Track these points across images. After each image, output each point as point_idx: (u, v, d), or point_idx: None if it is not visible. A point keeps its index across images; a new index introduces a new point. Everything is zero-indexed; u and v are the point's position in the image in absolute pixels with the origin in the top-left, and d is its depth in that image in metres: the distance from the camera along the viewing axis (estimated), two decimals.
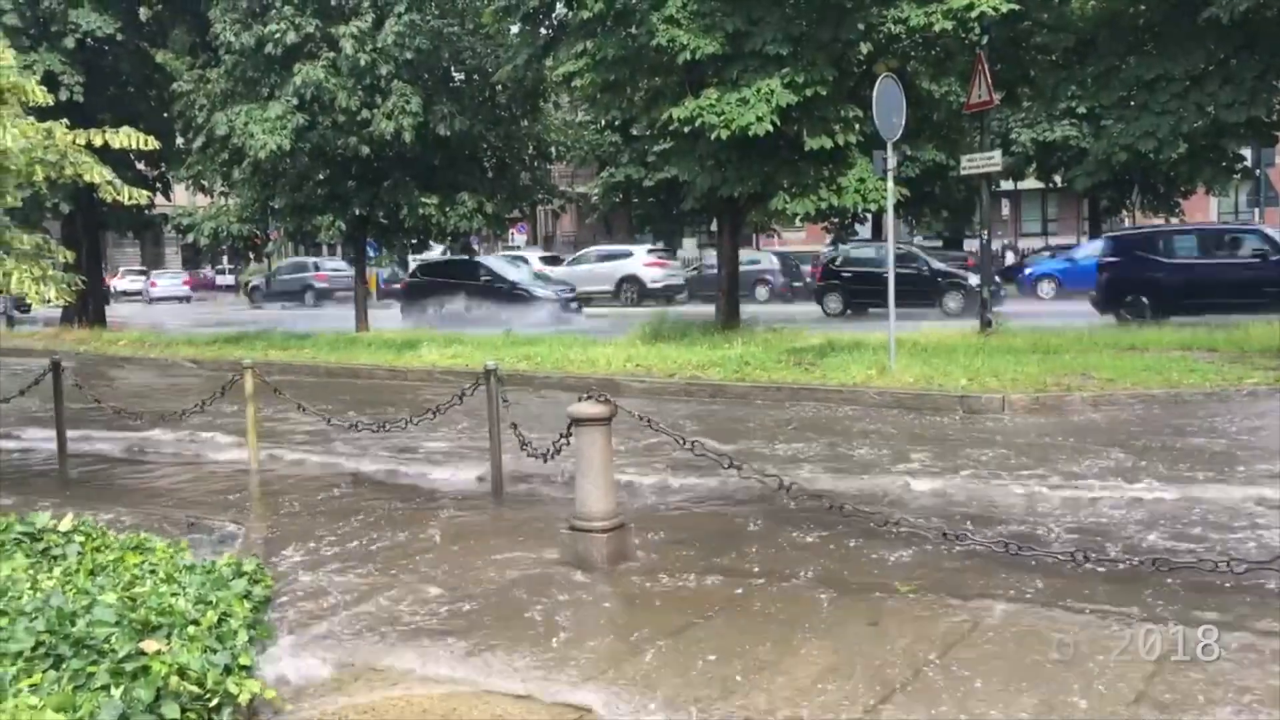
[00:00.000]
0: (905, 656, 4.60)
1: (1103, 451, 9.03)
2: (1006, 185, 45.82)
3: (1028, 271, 34.34)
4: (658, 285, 34.00)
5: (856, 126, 16.63)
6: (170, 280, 55.08)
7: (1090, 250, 32.08)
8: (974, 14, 15.16)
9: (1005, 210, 53.18)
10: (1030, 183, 43.78)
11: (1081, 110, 28.40)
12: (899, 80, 14.95)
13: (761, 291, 34.79)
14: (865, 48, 17.30)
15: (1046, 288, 31.97)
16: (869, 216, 37.32)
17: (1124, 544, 6.14)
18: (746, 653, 4.70)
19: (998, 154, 17.46)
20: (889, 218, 14.70)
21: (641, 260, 34.82)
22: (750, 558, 6.30)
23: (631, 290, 34.07)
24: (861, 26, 16.32)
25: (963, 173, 18.31)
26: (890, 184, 14.21)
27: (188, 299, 52.97)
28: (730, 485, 7.73)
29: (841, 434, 10.53)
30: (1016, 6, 15.29)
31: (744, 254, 29.95)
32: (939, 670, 4.44)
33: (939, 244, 42.53)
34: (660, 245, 40.31)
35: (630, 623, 5.24)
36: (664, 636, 4.96)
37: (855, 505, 5.74)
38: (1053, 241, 47.58)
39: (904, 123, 14.57)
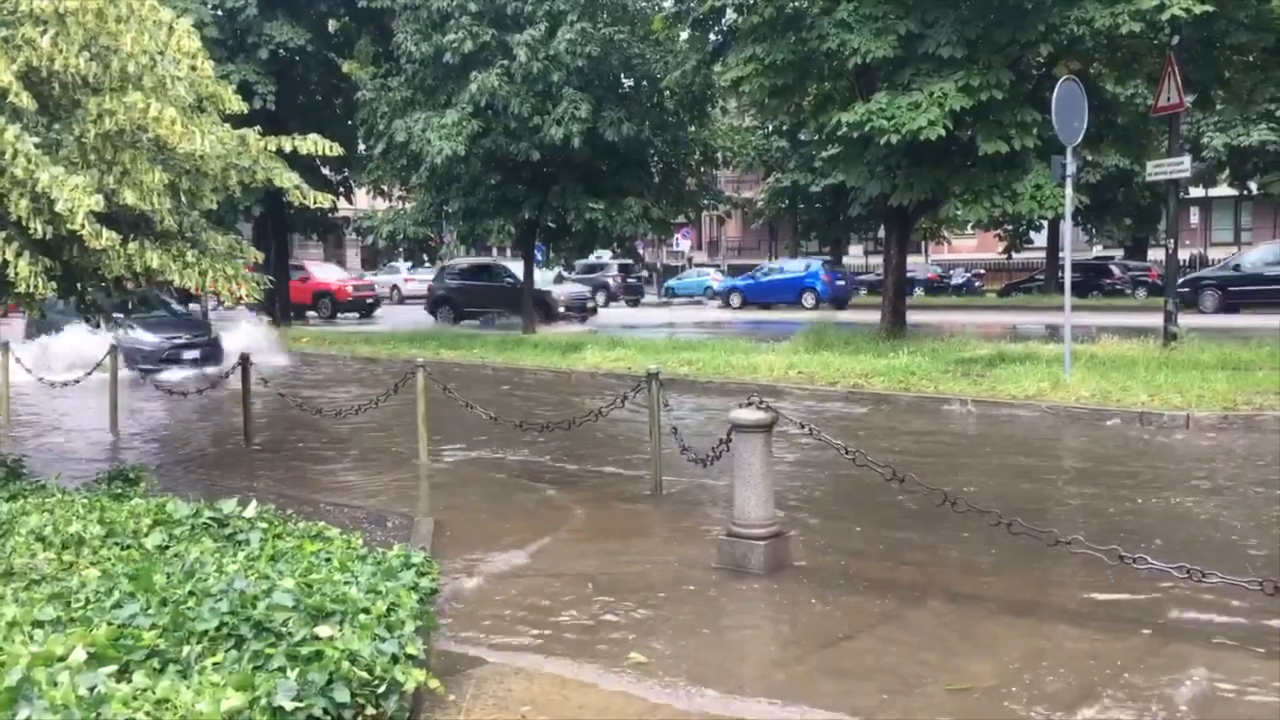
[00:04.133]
0: (1075, 674, 4.42)
1: None
2: (1196, 192, 43.56)
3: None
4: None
5: (1034, 130, 16.06)
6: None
7: (1263, 254, 29.51)
8: (1165, 15, 14.43)
9: (1194, 219, 50.57)
10: (1222, 190, 41.51)
11: None
12: (1080, 83, 14.40)
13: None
14: (1045, 49, 16.70)
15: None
16: (1045, 224, 36.26)
17: None
18: (903, 667, 4.59)
19: (1187, 159, 16.60)
20: (1067, 225, 14.15)
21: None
22: (910, 570, 6.16)
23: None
24: (1042, 28, 15.74)
25: (1148, 179, 17.50)
26: (1069, 190, 13.70)
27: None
28: (891, 497, 7.57)
29: (1008, 448, 10.19)
30: (1211, 7, 14.49)
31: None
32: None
33: (1120, 252, 40.81)
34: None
35: (787, 631, 5.19)
36: (823, 647, 4.89)
37: (1023, 523, 5.54)
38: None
39: (1085, 126, 14.03)
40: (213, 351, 18.87)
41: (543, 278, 29.58)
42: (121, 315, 11.22)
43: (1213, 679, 4.47)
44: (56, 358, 16.96)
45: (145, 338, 18.14)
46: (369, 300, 36.33)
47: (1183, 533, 7.00)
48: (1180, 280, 33.49)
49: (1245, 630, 5.06)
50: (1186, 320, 16.67)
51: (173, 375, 16.53)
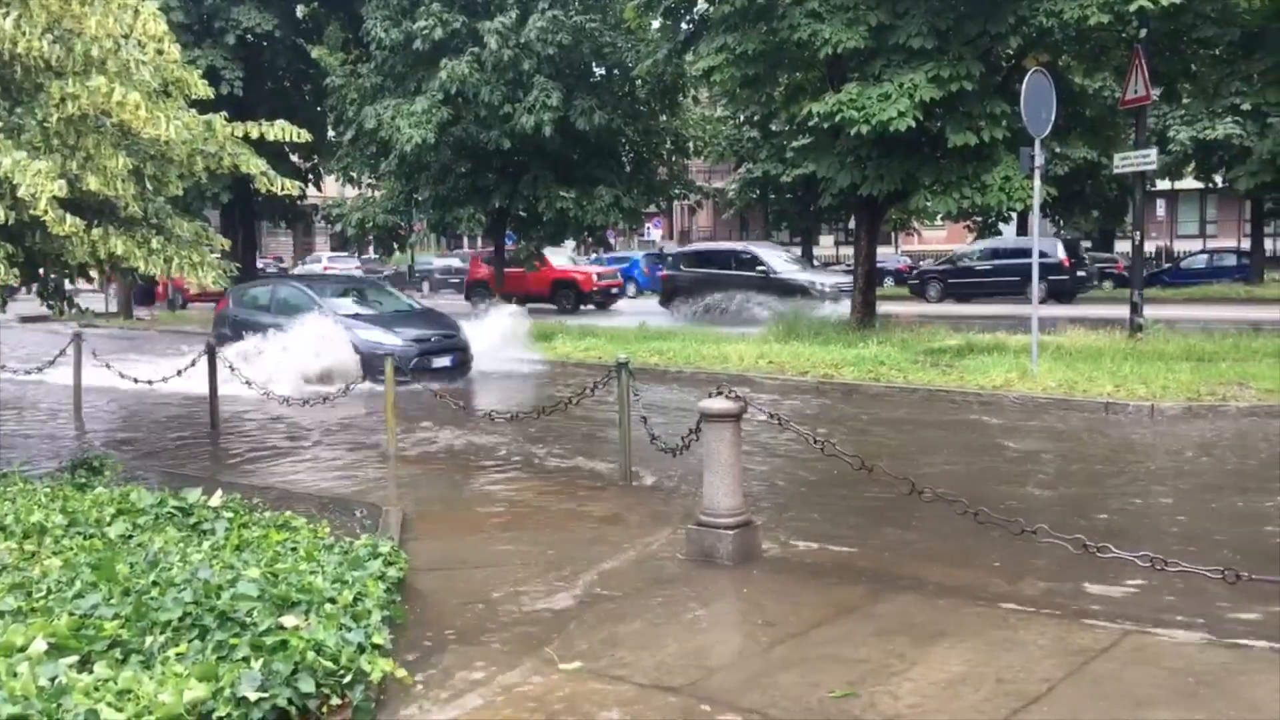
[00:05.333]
0: (1037, 670, 4.45)
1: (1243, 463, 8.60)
2: (1163, 185, 43.94)
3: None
4: None
5: (1003, 122, 16.15)
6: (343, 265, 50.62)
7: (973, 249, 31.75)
8: (1133, 7, 14.52)
9: (1160, 211, 51.04)
10: (1188, 183, 41.86)
11: (1246, 107, 27.01)
12: (1049, 75, 14.48)
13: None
14: (1015, 41, 16.79)
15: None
16: (1014, 215, 36.47)
17: None
18: (871, 658, 4.61)
19: (1153, 152, 16.74)
20: (1035, 216, 14.24)
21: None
22: (880, 560, 6.19)
23: None
24: (1011, 20, 15.82)
25: (1115, 171, 17.64)
26: (1037, 182, 13.79)
27: None
28: (859, 487, 7.61)
29: (978, 438, 10.26)
30: (1178, 1, 14.61)
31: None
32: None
33: (1088, 244, 41.14)
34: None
35: (752, 621, 5.20)
36: (790, 637, 4.91)
37: (990, 512, 5.57)
38: (1211, 245, 45.53)
39: (1053, 119, 14.11)
40: (464, 358, 15.17)
41: (784, 263, 26.62)
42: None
43: (1175, 668, 4.51)
44: (282, 366, 13.58)
45: (384, 339, 13.82)
46: (614, 290, 32.92)
47: (1148, 522, 7.08)
48: (914, 273, 34.36)
49: (1207, 619, 5.12)
50: (918, 309, 16.70)
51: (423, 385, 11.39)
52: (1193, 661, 4.57)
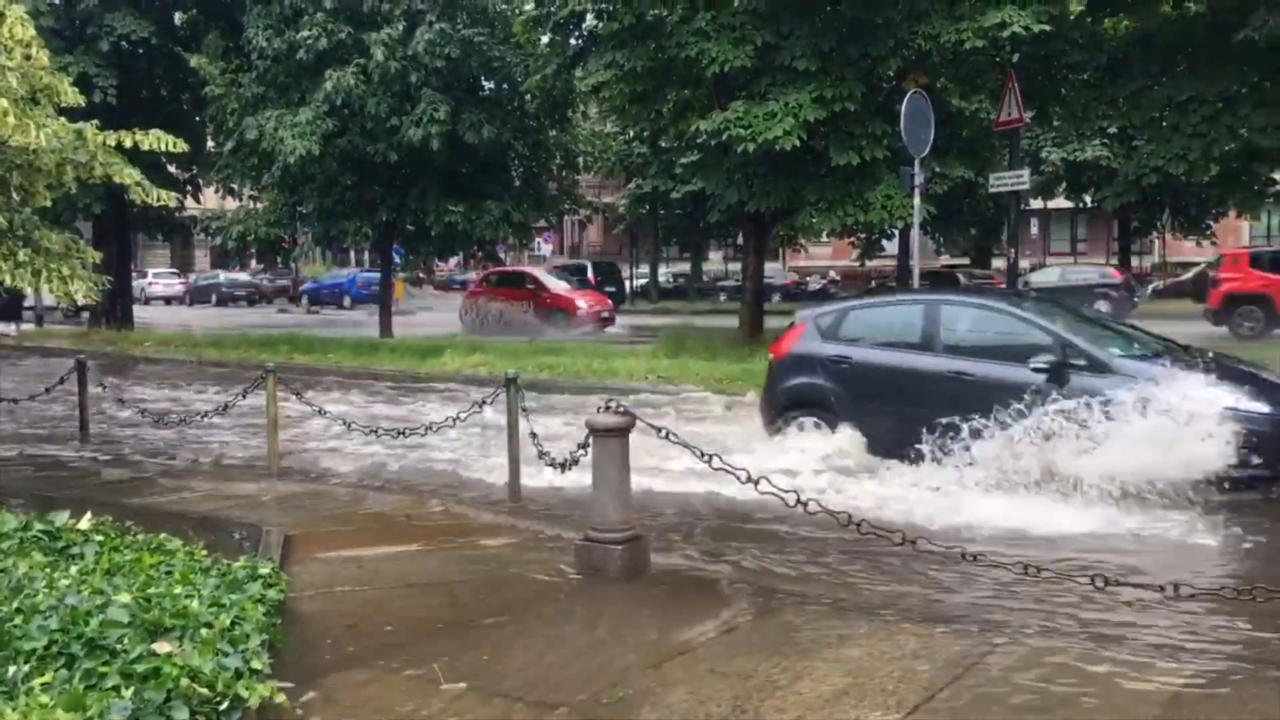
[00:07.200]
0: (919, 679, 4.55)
1: None
2: (1036, 204, 45.60)
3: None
4: None
5: (884, 142, 16.58)
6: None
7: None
8: (1006, 33, 15.08)
9: (1034, 230, 52.89)
10: (1060, 202, 43.58)
11: (1112, 130, 28.28)
12: (928, 96, 14.91)
13: None
14: (895, 64, 17.29)
15: None
16: (895, 232, 37.44)
17: None
18: (758, 672, 4.65)
19: (1026, 172, 17.37)
20: (915, 234, 14.62)
21: None
22: (767, 573, 6.26)
23: None
24: (891, 43, 16.27)
25: (991, 190, 18.22)
26: (917, 200, 14.18)
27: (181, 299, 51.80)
28: (750, 500, 7.68)
29: None
30: (1048, 27, 15.20)
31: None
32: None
33: (966, 262, 42.39)
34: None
35: (639, 635, 5.20)
36: (676, 653, 4.92)
37: (870, 523, 5.69)
38: (1081, 261, 47.30)
39: (932, 139, 14.54)
40: None
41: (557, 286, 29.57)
42: None
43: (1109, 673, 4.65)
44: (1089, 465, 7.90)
45: (1255, 407, 8.04)
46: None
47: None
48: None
49: (1152, 633, 5.29)
50: None
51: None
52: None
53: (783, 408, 9.82)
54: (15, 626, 4.12)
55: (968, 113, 21.39)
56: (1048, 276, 34.49)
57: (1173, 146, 17.05)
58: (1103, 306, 27.75)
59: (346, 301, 45.43)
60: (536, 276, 30.43)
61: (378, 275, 48.28)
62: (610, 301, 31.75)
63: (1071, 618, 5.44)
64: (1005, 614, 5.48)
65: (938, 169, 27.58)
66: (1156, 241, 45.42)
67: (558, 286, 29.42)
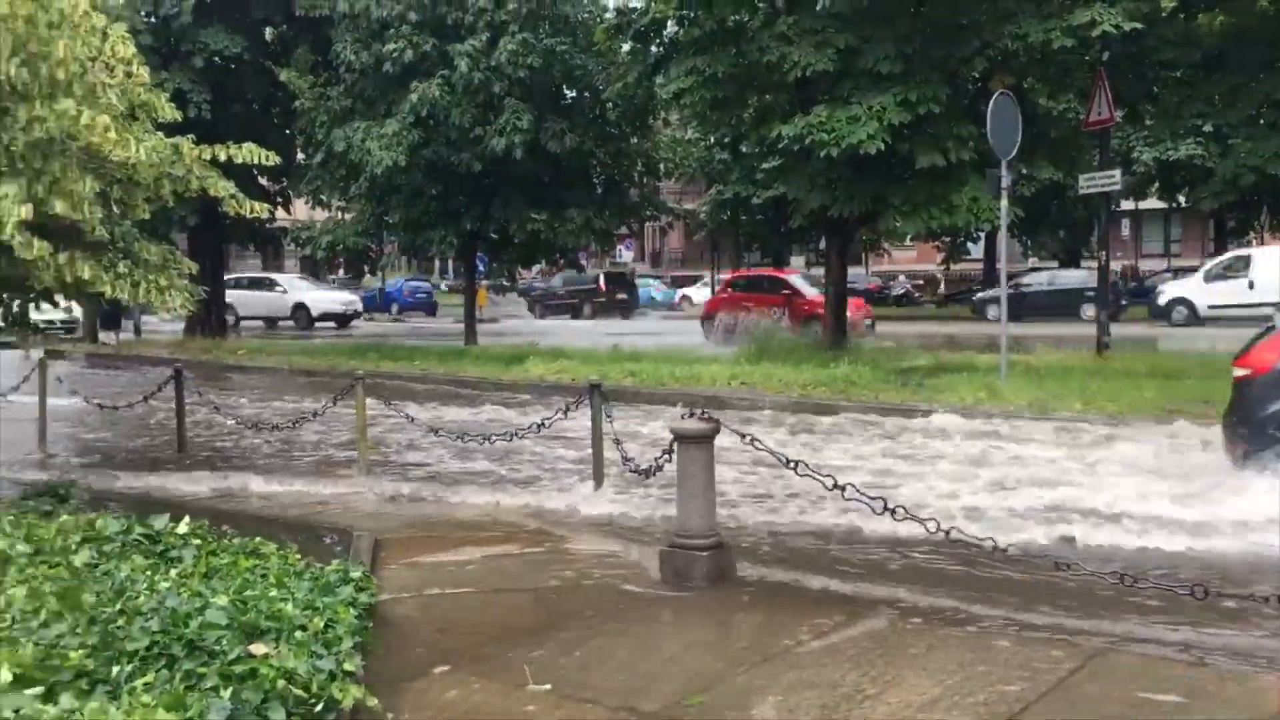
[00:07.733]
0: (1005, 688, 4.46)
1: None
2: (1127, 205, 44.48)
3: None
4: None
5: (970, 144, 16.31)
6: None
7: None
8: (1096, 31, 14.74)
9: (1125, 231, 51.64)
10: (1152, 202, 42.44)
11: (1208, 128, 27.41)
12: (1014, 97, 14.65)
13: None
14: (980, 64, 17.00)
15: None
16: (981, 236, 36.87)
17: None
18: (846, 680, 4.60)
19: (1118, 173, 16.98)
20: (1002, 236, 14.37)
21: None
22: (850, 581, 6.19)
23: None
24: (977, 44, 16.01)
25: (1081, 192, 17.85)
26: (1004, 203, 13.93)
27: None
28: (834, 507, 7.62)
29: (943, 456, 10.29)
30: (1140, 24, 14.82)
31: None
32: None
33: (1054, 264, 41.55)
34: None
35: (725, 641, 5.18)
36: (762, 659, 4.89)
37: (961, 531, 5.59)
38: (1175, 264, 46.08)
39: (1019, 140, 14.27)
40: None
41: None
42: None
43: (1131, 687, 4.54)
44: None
45: None
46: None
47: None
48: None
49: (1182, 639, 5.15)
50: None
51: None
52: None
53: (1272, 438, 7.47)
54: (119, 628, 4.25)
55: (1055, 113, 20.94)
56: (1037, 279, 35.29)
57: (1271, 145, 16.52)
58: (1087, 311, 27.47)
59: (394, 309, 47.06)
60: (789, 281, 27.72)
61: (425, 283, 51.71)
62: (870, 307, 30.10)
63: None
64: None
65: (1025, 170, 27.11)
66: (1254, 242, 44.04)
67: (812, 292, 26.19)
